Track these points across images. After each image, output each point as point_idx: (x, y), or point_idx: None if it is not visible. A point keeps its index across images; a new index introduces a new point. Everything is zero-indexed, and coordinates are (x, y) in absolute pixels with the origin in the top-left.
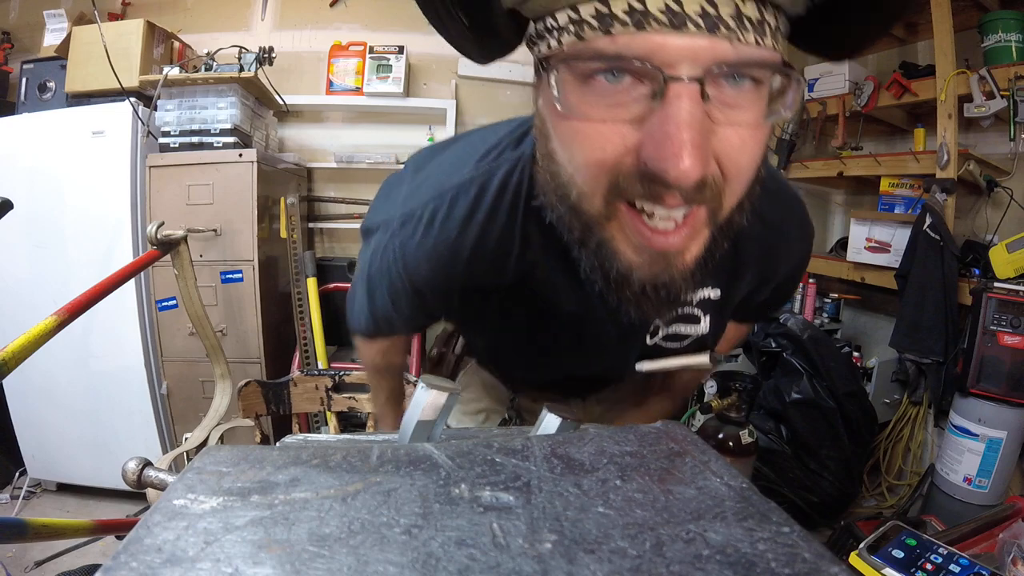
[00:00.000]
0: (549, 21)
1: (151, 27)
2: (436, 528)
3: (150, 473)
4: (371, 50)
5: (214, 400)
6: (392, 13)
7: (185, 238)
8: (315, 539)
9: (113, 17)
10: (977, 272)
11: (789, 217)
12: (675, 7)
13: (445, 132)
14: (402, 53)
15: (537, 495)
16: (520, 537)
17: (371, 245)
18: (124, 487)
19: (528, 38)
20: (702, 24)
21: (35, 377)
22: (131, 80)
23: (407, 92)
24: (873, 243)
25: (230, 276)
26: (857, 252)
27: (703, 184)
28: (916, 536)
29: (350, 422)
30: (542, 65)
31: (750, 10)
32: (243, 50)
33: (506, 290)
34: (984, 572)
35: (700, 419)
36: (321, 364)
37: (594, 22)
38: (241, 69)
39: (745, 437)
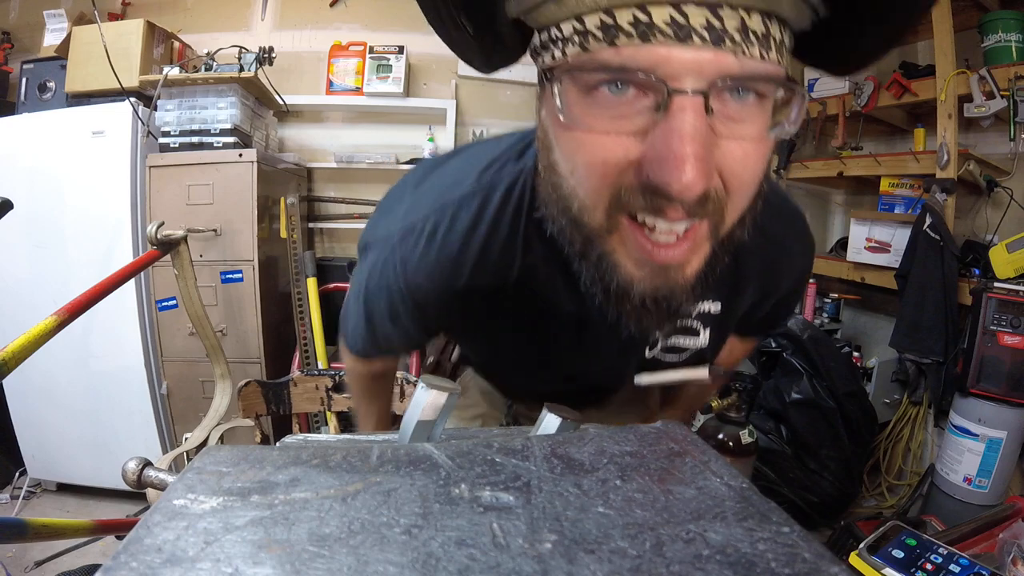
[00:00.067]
0: (553, 32)
1: (151, 27)
2: (436, 528)
3: (150, 473)
4: (371, 50)
5: (214, 400)
6: (392, 13)
7: (185, 238)
8: (315, 539)
9: (113, 17)
10: (977, 272)
11: (791, 231)
12: (680, 19)
13: (445, 132)
14: (402, 53)
15: (537, 495)
16: (520, 537)
17: (368, 261)
18: (124, 487)
19: (532, 49)
20: (707, 37)
21: (35, 377)
22: (131, 80)
23: (407, 92)
24: (873, 243)
25: (230, 276)
26: (857, 252)
27: (706, 198)
28: (916, 536)
29: (350, 422)
30: (546, 76)
31: (755, 24)
32: (243, 50)
33: (506, 302)
34: (984, 572)
35: (700, 419)
36: (321, 364)
37: (599, 33)
38: (241, 69)
39: (745, 437)
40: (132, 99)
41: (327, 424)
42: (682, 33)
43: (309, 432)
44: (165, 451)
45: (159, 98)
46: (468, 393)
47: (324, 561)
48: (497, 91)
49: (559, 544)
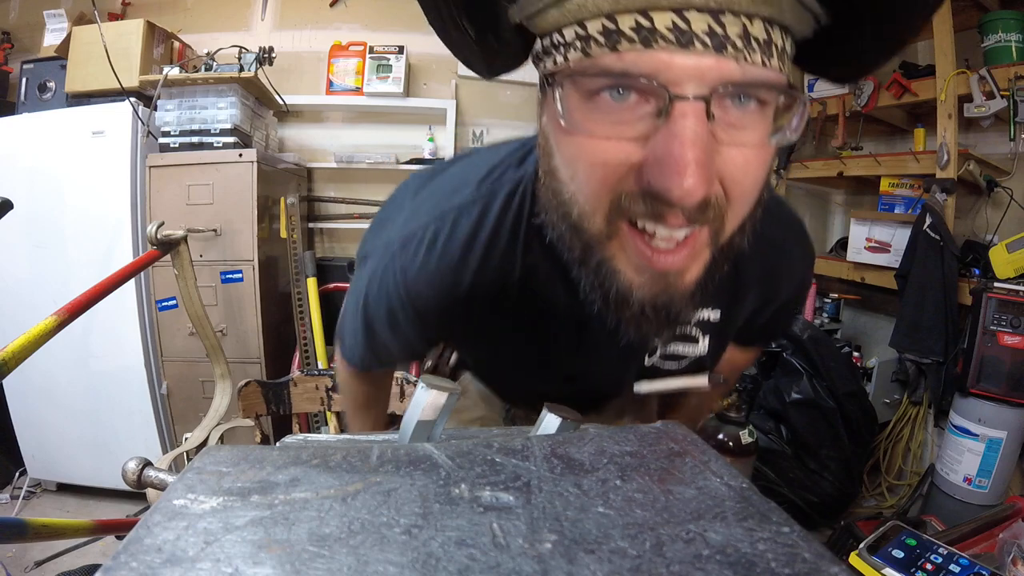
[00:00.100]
0: (555, 37)
1: (151, 27)
2: (436, 528)
3: (150, 473)
4: (371, 50)
5: (214, 400)
6: (392, 13)
7: (185, 238)
8: (315, 539)
9: (113, 17)
10: (977, 272)
11: (790, 237)
12: (682, 25)
13: (445, 132)
14: (402, 53)
15: (537, 495)
16: (520, 537)
17: (368, 269)
18: (124, 487)
19: (534, 54)
20: (709, 43)
21: (35, 377)
22: (131, 80)
23: (407, 92)
24: (873, 243)
25: (230, 276)
26: (857, 252)
27: (706, 204)
28: (916, 536)
29: None
30: (547, 81)
31: (758, 30)
32: (243, 50)
33: (506, 303)
34: (984, 572)
35: None
36: (321, 364)
37: (601, 38)
38: (241, 69)
39: (745, 437)
40: (132, 99)
41: (327, 424)
42: (684, 39)
43: (309, 432)
44: (165, 451)
45: (159, 98)
46: (466, 396)
47: (324, 561)
48: (497, 91)
49: (559, 544)
